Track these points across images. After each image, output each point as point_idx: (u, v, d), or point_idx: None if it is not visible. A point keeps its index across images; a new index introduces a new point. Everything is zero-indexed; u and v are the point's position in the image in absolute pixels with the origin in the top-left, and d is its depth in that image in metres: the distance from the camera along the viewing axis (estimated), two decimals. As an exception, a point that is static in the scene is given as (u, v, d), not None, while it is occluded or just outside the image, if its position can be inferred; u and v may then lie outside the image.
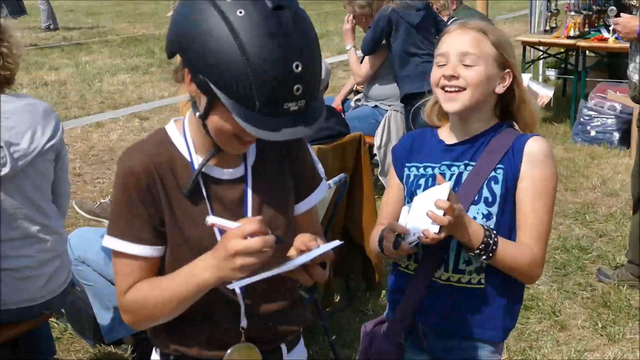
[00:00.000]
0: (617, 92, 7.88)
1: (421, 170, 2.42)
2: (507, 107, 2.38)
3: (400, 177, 2.49)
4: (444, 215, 2.10)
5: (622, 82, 8.33)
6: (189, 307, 1.96)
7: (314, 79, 1.80)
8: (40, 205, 3.15)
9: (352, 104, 6.51)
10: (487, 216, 2.29)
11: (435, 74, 2.32)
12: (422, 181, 2.39)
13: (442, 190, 2.14)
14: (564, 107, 9.30)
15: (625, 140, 7.74)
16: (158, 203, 1.99)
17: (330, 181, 3.75)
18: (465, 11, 7.37)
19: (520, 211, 2.29)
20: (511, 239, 2.30)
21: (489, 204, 2.29)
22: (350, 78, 6.69)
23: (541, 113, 9.02)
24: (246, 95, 1.73)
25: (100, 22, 20.17)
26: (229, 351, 2.06)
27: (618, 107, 7.82)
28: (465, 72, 2.26)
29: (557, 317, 4.51)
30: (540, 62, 10.64)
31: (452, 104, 2.29)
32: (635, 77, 4.47)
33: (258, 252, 1.76)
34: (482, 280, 2.32)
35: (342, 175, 3.88)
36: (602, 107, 7.91)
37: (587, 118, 8.01)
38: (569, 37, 8.46)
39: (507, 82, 2.31)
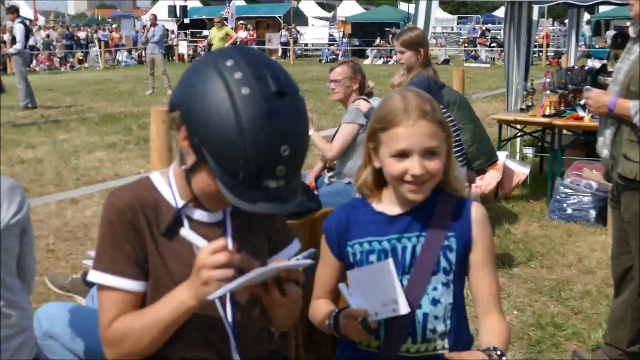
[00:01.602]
0: (593, 170, 7.93)
1: (366, 245, 2.39)
2: None
3: (340, 255, 2.46)
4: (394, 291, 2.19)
5: (598, 160, 8.37)
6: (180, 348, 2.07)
7: (298, 162, 1.96)
8: (5, 280, 3.10)
9: (326, 180, 6.51)
10: (446, 284, 2.34)
11: (398, 168, 2.29)
12: (372, 257, 2.38)
13: (385, 269, 2.19)
14: (540, 185, 9.36)
15: (601, 218, 7.75)
16: (142, 239, 2.09)
17: (300, 255, 3.72)
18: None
19: (477, 280, 2.37)
20: (461, 300, 2.38)
21: (447, 272, 2.34)
22: (323, 155, 6.72)
23: (517, 191, 9.12)
24: (233, 166, 1.87)
25: (78, 100, 20.28)
26: None
27: (594, 184, 7.87)
28: (429, 165, 2.28)
29: (532, 395, 4.43)
30: (518, 140, 10.75)
31: (418, 195, 2.31)
32: (604, 152, 4.52)
33: (223, 266, 1.90)
34: (446, 345, 2.34)
35: (311, 250, 3.84)
36: (579, 185, 7.96)
37: (563, 196, 8.05)
38: (544, 116, 8.55)
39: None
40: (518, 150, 10.89)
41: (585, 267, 6.63)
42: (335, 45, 43.31)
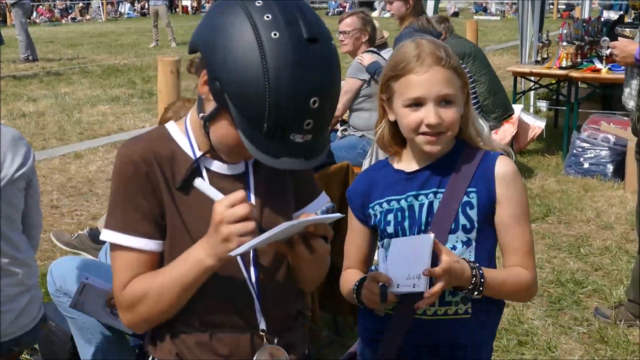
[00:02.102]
0: (611, 124, 7.78)
1: (385, 205, 2.29)
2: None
3: (364, 221, 2.37)
4: (435, 282, 2.04)
5: (615, 114, 8.26)
6: (206, 309, 1.95)
7: (327, 117, 1.80)
8: (10, 236, 2.98)
9: (339, 133, 6.38)
10: (467, 243, 2.21)
11: (412, 119, 2.18)
12: (390, 217, 2.27)
13: (424, 243, 2.04)
14: (555, 139, 9.22)
15: (619, 173, 7.63)
16: (158, 194, 1.93)
17: (318, 211, 3.58)
18: (456, 40, 7.28)
19: (504, 236, 2.23)
20: (491, 263, 2.23)
21: (467, 230, 2.21)
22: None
23: (532, 145, 8.99)
24: (257, 116, 1.72)
25: (80, 53, 20.11)
26: (257, 354, 2.01)
27: (612, 138, 7.71)
28: (445, 114, 2.16)
29: (553, 352, 4.34)
30: (532, 93, 10.57)
31: (434, 147, 2.20)
32: (630, 104, 4.35)
33: (244, 219, 1.75)
34: (469, 310, 2.23)
35: (329, 204, 3.72)
36: (596, 138, 7.80)
37: (580, 150, 7.91)
38: (561, 68, 8.36)
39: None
40: (532, 103, 10.73)
41: (604, 223, 6.51)
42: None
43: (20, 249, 3.03)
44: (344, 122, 6.53)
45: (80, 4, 37.90)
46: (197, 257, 1.84)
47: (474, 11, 38.52)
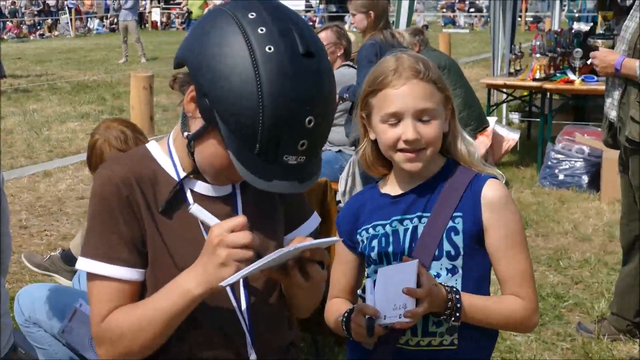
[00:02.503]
0: (585, 135, 7.77)
1: (371, 230, 2.18)
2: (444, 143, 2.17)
3: (352, 248, 2.26)
4: (418, 305, 1.94)
5: (588, 125, 8.27)
6: (191, 341, 1.82)
7: (322, 137, 1.73)
8: None
9: (316, 149, 6.26)
10: (452, 270, 2.10)
11: (390, 135, 2.08)
12: (374, 243, 2.17)
13: (409, 270, 1.94)
14: (529, 151, 9.18)
15: (594, 184, 7.60)
16: (139, 219, 1.80)
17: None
18: (431, 53, 7.23)
19: (496, 264, 2.11)
20: (480, 292, 2.12)
21: (451, 257, 2.09)
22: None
23: (507, 157, 8.95)
24: (249, 135, 1.63)
25: (49, 69, 19.81)
26: None
27: (586, 149, 7.69)
28: (425, 130, 2.06)
29: (538, 370, 4.24)
30: (504, 105, 10.56)
31: (414, 164, 2.09)
32: (612, 114, 4.29)
33: (243, 247, 1.65)
34: (455, 341, 2.10)
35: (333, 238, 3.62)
36: (570, 150, 7.78)
37: (554, 161, 7.88)
38: (534, 80, 8.34)
39: (449, 115, 2.14)
40: (504, 115, 10.72)
41: (582, 235, 6.47)
42: (312, 12, 42.89)
43: (-12, 275, 2.91)
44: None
45: (49, 20, 37.57)
46: (185, 286, 1.72)
47: (443, 24, 38.71)
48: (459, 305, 2.01)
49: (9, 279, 5.33)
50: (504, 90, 9.44)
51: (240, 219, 1.68)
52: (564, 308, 5.04)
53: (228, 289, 1.85)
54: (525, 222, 6.68)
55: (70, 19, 36.71)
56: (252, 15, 1.66)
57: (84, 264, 1.82)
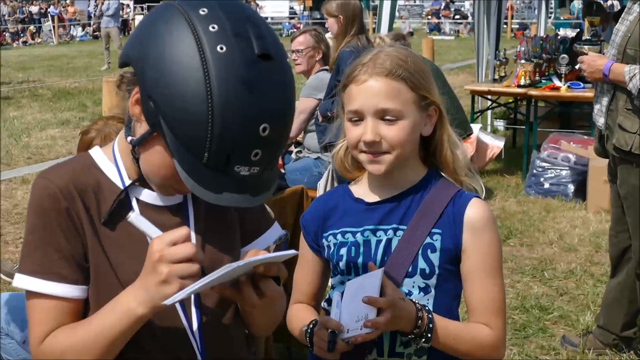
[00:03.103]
0: (571, 143, 7.65)
1: (339, 237, 2.03)
2: (429, 148, 2.03)
3: (317, 251, 2.11)
4: (379, 314, 1.78)
5: (574, 133, 8.17)
6: None
7: (278, 147, 1.58)
8: None
9: (293, 155, 6.15)
10: (425, 290, 1.95)
11: (353, 134, 1.95)
12: (343, 251, 2.01)
13: (374, 279, 1.79)
14: (514, 159, 9.06)
15: (580, 193, 7.49)
16: (80, 232, 1.66)
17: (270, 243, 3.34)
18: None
19: (468, 290, 1.98)
20: (453, 314, 1.99)
21: (425, 275, 1.95)
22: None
23: (491, 165, 8.84)
24: (197, 143, 1.49)
25: (31, 76, 19.66)
26: None
27: (572, 158, 7.58)
28: (387, 131, 1.90)
29: (521, 385, 4.14)
30: (489, 112, 10.45)
31: (377, 166, 1.95)
32: (600, 121, 4.16)
33: (187, 261, 1.51)
34: None
35: (282, 232, 3.48)
36: (556, 158, 7.68)
37: (540, 170, 7.77)
38: (519, 86, 8.22)
39: (434, 119, 1.97)
40: (489, 122, 10.61)
41: (567, 245, 6.35)
42: (296, 18, 42.89)
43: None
44: (298, 144, 6.32)
45: (32, 28, 37.35)
46: (127, 305, 1.57)
47: (428, 31, 38.71)
48: (430, 325, 1.87)
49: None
50: (489, 97, 9.31)
51: (182, 231, 1.54)
52: (548, 320, 4.93)
53: (178, 307, 1.72)
54: (509, 231, 6.60)
55: (53, 27, 36.54)
56: (204, 11, 1.51)
57: (21, 281, 1.67)
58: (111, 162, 1.75)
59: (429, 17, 41.57)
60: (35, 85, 17.63)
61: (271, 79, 1.51)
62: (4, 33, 36.02)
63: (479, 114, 9.78)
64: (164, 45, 1.49)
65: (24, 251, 1.69)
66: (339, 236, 2.03)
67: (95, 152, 1.78)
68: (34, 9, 39.92)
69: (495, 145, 8.57)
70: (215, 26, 1.48)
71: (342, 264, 2.01)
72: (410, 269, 1.94)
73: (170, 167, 1.55)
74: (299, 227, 3.90)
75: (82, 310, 1.70)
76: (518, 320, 4.89)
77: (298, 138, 6.29)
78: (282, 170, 5.89)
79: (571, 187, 7.59)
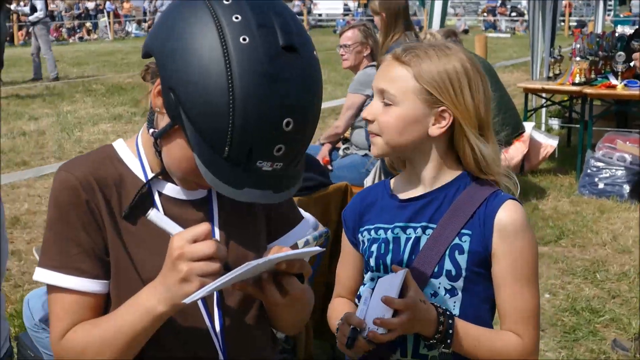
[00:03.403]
0: (627, 142, 7.50)
1: (373, 233, 2.00)
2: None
3: (356, 246, 2.08)
4: (395, 315, 1.74)
5: (631, 132, 7.98)
6: None
7: (302, 142, 1.53)
8: None
9: (341, 152, 6.10)
10: (451, 292, 1.89)
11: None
12: (374, 248, 1.98)
13: (396, 279, 1.75)
14: (569, 158, 8.92)
15: (636, 193, 7.34)
16: (101, 225, 1.62)
17: (310, 236, 3.30)
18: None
19: (499, 296, 1.90)
20: (480, 321, 1.91)
21: (452, 277, 1.89)
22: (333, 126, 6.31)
23: (545, 164, 8.71)
24: (218, 137, 1.44)
25: (86, 72, 19.96)
26: None
27: (628, 157, 7.43)
28: (380, 113, 1.90)
29: (568, 389, 4.06)
30: (543, 110, 10.28)
31: (373, 148, 1.96)
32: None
33: (207, 259, 1.46)
34: None
35: (322, 229, 3.44)
36: (611, 157, 7.53)
37: (594, 169, 7.62)
38: (574, 84, 8.08)
39: (446, 122, 1.88)
40: (543, 121, 10.44)
41: (621, 246, 6.22)
42: (350, 15, 42.82)
43: (-18, 278, 2.78)
44: (346, 140, 6.27)
45: (88, 24, 37.86)
46: (147, 303, 1.53)
47: (484, 28, 38.37)
48: (450, 331, 1.81)
49: (21, 281, 5.29)
50: (543, 95, 9.15)
51: (203, 227, 1.49)
52: (599, 323, 4.83)
53: (201, 305, 1.67)
54: (561, 231, 6.49)
55: (109, 22, 36.99)
56: (228, 1, 1.46)
57: (42, 275, 1.63)
58: (134, 155, 1.72)
59: (485, 14, 41.22)
60: (89, 80, 17.83)
61: (296, 72, 1.46)
62: (61, 29, 36.56)
63: (532, 112, 9.63)
64: (186, 35, 1.45)
65: (44, 245, 1.66)
66: (372, 232, 2.00)
67: (119, 145, 1.75)
68: (90, 5, 40.42)
69: (549, 144, 8.43)
70: (239, 17, 1.43)
71: (372, 261, 1.97)
72: (436, 269, 1.88)
73: (191, 161, 1.51)
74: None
75: (104, 305, 1.67)
76: (568, 323, 4.80)
77: (345, 134, 6.25)
78: (330, 167, 5.85)
79: (626, 188, 7.43)
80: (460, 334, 1.82)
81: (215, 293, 1.68)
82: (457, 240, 1.87)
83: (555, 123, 10.63)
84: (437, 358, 1.88)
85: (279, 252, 1.52)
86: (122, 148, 1.73)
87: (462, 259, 1.87)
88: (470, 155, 1.90)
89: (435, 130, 1.89)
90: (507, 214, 1.87)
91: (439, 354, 1.87)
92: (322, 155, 6.04)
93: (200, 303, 1.66)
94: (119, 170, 1.69)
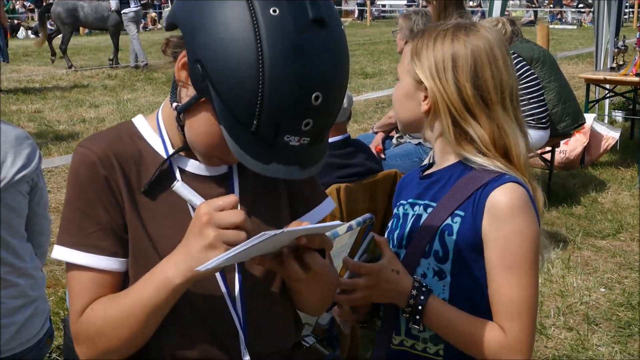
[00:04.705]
0: (693, 136, 7.28)
1: (398, 209, 2.01)
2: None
3: None
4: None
5: (696, 125, 7.76)
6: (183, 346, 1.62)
7: (330, 117, 1.51)
8: (11, 243, 2.75)
9: (394, 141, 6.04)
10: (439, 274, 1.84)
11: None
12: (390, 222, 2.02)
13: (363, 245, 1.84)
14: (631, 151, 8.71)
15: (699, 189, 7.10)
16: (120, 201, 1.60)
17: (353, 222, 3.24)
18: (524, 44, 6.89)
19: (488, 285, 1.79)
20: (475, 307, 1.82)
21: (439, 259, 1.84)
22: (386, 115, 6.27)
23: (606, 157, 8.51)
24: (246, 110, 1.42)
25: (148, 60, 20.13)
26: None
27: (693, 151, 7.21)
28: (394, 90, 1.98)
29: (621, 386, 3.95)
30: (606, 102, 10.05)
31: None
32: None
33: (234, 227, 1.44)
34: (441, 352, 1.86)
35: (367, 215, 3.38)
36: (675, 151, 7.31)
37: (657, 162, 7.41)
38: (637, 75, 7.88)
39: (426, 103, 1.87)
40: (606, 113, 10.22)
41: (682, 242, 6.04)
42: (414, 6, 42.54)
43: (23, 257, 2.80)
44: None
45: (153, 13, 38.21)
46: (164, 275, 1.50)
47: (550, 20, 37.75)
48: (420, 307, 1.77)
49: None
50: (606, 86, 8.95)
51: (231, 198, 1.47)
52: (655, 319, 4.70)
53: (221, 283, 1.64)
54: (620, 225, 6.35)
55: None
56: None
57: (60, 253, 1.62)
58: (154, 131, 1.69)
59: (551, 5, 40.56)
60: (150, 69, 17.97)
61: (325, 45, 1.43)
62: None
63: (594, 103, 9.43)
64: (214, 6, 1.43)
65: (62, 222, 1.64)
66: (398, 208, 2.01)
67: (139, 121, 1.73)
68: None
69: (610, 136, 8.24)
70: None
71: (386, 235, 1.98)
72: (427, 249, 1.84)
73: (216, 135, 1.49)
74: (390, 212, 3.84)
75: (122, 283, 1.65)
76: (623, 318, 4.69)
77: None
78: (382, 156, 5.81)
79: (690, 182, 7.22)
80: (433, 312, 1.77)
81: (236, 270, 1.65)
82: (448, 221, 1.82)
83: (619, 115, 10.38)
84: (429, 340, 1.85)
85: (298, 226, 1.48)
86: (142, 124, 1.71)
87: (450, 241, 1.81)
88: (463, 136, 1.85)
89: (424, 106, 1.87)
90: (501, 195, 1.76)
91: (431, 337, 1.85)
92: (375, 143, 5.99)
93: (220, 280, 1.64)
94: (138, 147, 1.67)
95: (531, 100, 6.26)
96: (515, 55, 6.34)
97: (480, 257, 1.79)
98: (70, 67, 17.36)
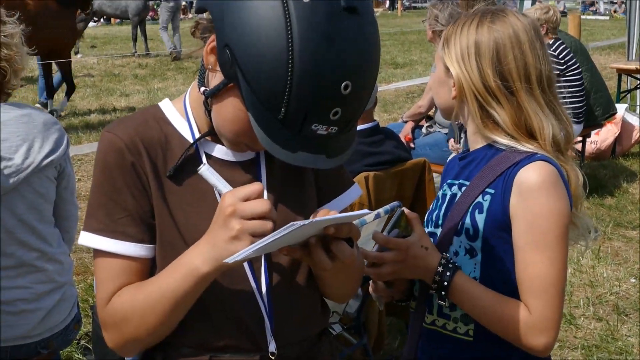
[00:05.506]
0: None
1: (439, 192, 2.04)
2: None
3: None
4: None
5: None
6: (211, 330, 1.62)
7: (358, 107, 1.48)
8: (38, 228, 2.76)
9: (424, 130, 6.02)
10: (470, 252, 1.85)
11: None
12: (433, 203, 2.02)
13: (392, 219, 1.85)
14: (663, 143, 8.57)
15: None
16: (147, 187, 1.59)
17: (381, 209, 3.22)
18: (559, 34, 6.83)
19: (516, 263, 1.79)
20: (508, 286, 1.81)
21: (470, 237, 1.85)
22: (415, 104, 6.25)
23: (637, 147, 8.43)
24: (274, 98, 1.40)
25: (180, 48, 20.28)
26: None
27: None
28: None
29: (653, 377, 3.92)
30: (638, 92, 9.94)
31: None
32: None
33: (260, 218, 1.42)
34: (471, 332, 1.87)
35: (395, 203, 3.36)
36: None
37: (689, 153, 7.32)
38: (670, 65, 7.78)
39: (455, 89, 1.91)
40: (638, 103, 10.07)
41: None
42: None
43: (51, 243, 2.82)
44: (429, 118, 6.20)
45: (184, 3, 38.34)
46: (191, 263, 1.48)
47: (582, 11, 37.38)
48: (445, 283, 1.79)
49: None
50: (638, 76, 8.85)
51: (256, 186, 1.44)
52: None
53: (248, 271, 1.62)
54: (649, 217, 6.26)
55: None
56: None
57: (87, 239, 1.60)
58: (181, 116, 1.67)
59: (584, -4, 40.19)
60: (182, 58, 18.05)
61: (356, 34, 1.41)
62: (156, 8, 37.12)
63: (626, 93, 9.32)
64: None
65: (89, 208, 1.62)
66: (441, 190, 2.03)
67: (165, 105, 1.70)
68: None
69: (641, 127, 8.14)
70: None
71: (426, 216, 2.02)
72: (459, 227, 1.86)
73: (243, 122, 1.47)
74: (418, 200, 3.81)
75: (149, 269, 1.63)
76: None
77: (429, 113, 6.16)
78: (412, 145, 5.79)
79: None
80: (458, 288, 1.78)
81: (262, 258, 1.64)
82: (479, 199, 1.83)
83: (651, 106, 10.29)
84: (459, 320, 1.87)
85: (326, 215, 1.46)
86: (169, 108, 1.69)
87: (481, 219, 1.82)
88: (490, 119, 1.87)
89: (453, 92, 1.91)
90: (530, 173, 1.76)
91: (461, 316, 1.86)
92: (404, 133, 5.97)
93: (247, 269, 1.62)
94: (164, 131, 1.64)
95: (572, 93, 6.23)
96: (562, 43, 6.34)
97: (510, 237, 1.78)
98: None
